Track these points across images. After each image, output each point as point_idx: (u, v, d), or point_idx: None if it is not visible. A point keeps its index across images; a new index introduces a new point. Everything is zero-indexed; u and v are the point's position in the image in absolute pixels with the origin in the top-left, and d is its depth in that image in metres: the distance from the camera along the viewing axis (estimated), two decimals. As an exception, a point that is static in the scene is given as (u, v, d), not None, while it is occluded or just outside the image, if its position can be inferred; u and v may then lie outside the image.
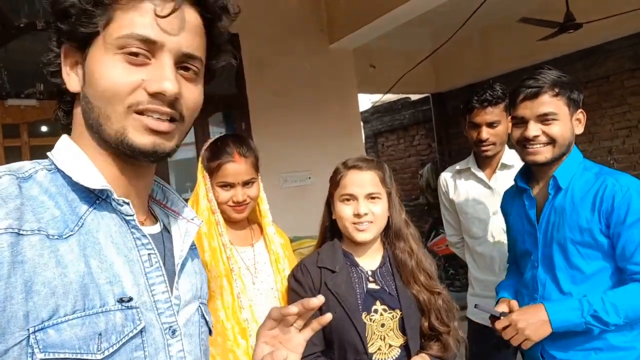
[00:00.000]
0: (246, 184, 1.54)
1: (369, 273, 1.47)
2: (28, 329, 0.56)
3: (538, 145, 1.50)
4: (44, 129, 3.43)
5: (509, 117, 2.17)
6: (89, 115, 0.68)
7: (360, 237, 1.46)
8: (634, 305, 1.38)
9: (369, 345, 1.38)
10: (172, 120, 0.69)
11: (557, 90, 1.48)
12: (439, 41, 5.54)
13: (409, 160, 8.13)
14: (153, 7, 0.66)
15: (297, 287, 1.48)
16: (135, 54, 0.65)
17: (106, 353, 0.61)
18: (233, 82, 3.97)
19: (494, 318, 1.56)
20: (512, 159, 2.17)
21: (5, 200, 0.59)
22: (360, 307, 1.40)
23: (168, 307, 0.71)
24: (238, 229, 1.62)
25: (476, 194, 2.21)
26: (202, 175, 1.56)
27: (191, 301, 0.78)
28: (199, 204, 1.54)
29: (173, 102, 0.67)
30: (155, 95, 0.66)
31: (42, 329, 0.57)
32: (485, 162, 2.21)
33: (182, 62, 0.69)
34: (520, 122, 1.54)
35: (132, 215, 0.69)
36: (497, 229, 2.14)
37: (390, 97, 7.73)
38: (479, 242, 2.18)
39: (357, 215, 1.45)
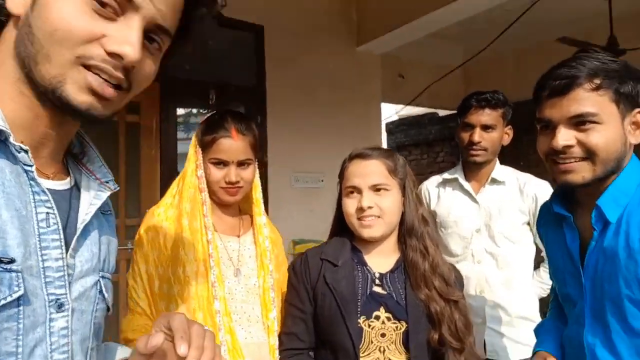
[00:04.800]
0: (241, 164, 1.41)
1: (377, 275, 1.32)
2: None
3: (572, 160, 1.07)
4: None
5: (507, 127, 2.00)
6: (25, 46, 0.59)
7: (365, 233, 1.32)
8: None
9: (364, 355, 1.23)
10: (117, 87, 0.62)
11: (598, 81, 1.04)
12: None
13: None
14: None
15: (292, 277, 1.39)
16: (104, 4, 0.59)
17: None
18: (253, 73, 3.90)
19: None
20: (503, 175, 2.01)
21: None
22: (358, 309, 1.26)
23: (60, 276, 0.63)
24: (227, 215, 1.50)
25: (460, 208, 2.03)
26: (194, 150, 1.45)
27: (89, 273, 0.70)
28: (185, 180, 1.44)
29: (128, 69, 0.62)
30: (112, 56, 0.60)
31: None
32: (473, 173, 2.05)
33: (151, 31, 0.64)
34: (547, 126, 1.12)
35: (31, 166, 0.60)
36: (478, 249, 1.96)
37: (418, 110, 7.61)
38: (455, 261, 1.97)
39: (361, 209, 1.30)
